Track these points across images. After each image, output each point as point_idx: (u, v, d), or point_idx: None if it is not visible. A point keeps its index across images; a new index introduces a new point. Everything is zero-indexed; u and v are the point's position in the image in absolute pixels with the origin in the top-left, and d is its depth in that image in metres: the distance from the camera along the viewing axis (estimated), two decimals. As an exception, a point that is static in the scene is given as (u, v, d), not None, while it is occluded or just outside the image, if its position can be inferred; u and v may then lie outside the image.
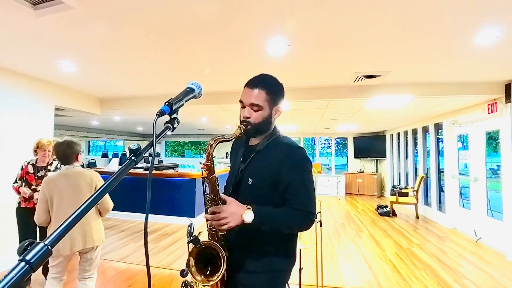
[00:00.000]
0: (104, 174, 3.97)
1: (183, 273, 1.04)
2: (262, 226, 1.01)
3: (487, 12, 1.90)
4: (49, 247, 0.47)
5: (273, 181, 1.07)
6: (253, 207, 1.00)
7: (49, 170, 2.88)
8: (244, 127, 1.08)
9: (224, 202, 1.04)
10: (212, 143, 1.05)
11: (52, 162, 2.93)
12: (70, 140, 2.09)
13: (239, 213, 0.99)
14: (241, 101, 1.10)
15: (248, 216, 0.99)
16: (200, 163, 1.10)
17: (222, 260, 1.01)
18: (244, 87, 1.11)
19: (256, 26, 2.18)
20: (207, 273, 1.06)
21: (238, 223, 0.99)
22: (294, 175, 1.06)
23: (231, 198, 1.05)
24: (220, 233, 1.08)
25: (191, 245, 1.06)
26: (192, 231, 1.08)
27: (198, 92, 0.87)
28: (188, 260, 1.05)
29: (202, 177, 1.07)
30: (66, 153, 2.04)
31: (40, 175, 2.82)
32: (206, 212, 1.07)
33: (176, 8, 1.90)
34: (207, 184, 1.06)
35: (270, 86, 1.09)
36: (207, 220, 1.05)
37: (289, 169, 1.06)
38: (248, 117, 1.08)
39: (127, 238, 4.36)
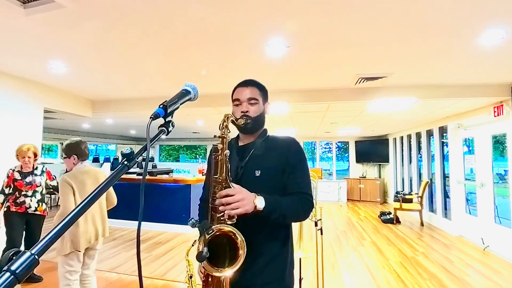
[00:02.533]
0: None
1: (201, 256, 0.90)
2: (272, 214, 1.01)
3: (491, 12, 1.93)
4: (36, 256, 0.46)
5: (281, 169, 1.12)
6: (264, 196, 1.01)
7: (36, 175, 2.96)
8: (245, 121, 1.13)
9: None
10: (229, 115, 1.08)
11: (37, 167, 3.01)
12: (80, 139, 2.25)
13: (251, 198, 0.98)
14: (236, 100, 1.18)
15: (260, 201, 0.99)
16: (215, 136, 1.07)
17: (241, 244, 0.93)
18: (236, 88, 1.22)
19: (254, 27, 2.19)
20: (222, 263, 0.96)
21: (251, 208, 0.97)
22: (297, 161, 1.14)
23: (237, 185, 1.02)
24: (229, 222, 0.99)
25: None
26: (195, 221, 0.97)
27: (194, 94, 0.87)
28: (201, 252, 0.91)
29: (213, 154, 1.03)
30: (86, 150, 2.17)
31: (28, 181, 2.90)
32: (213, 200, 1.00)
33: (172, 7, 1.91)
34: (217, 163, 1.01)
35: (259, 84, 1.23)
36: (216, 206, 0.98)
37: (294, 155, 1.14)
38: (247, 111, 1.15)
39: (119, 247, 4.31)
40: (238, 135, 1.28)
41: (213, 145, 1.05)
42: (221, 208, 0.97)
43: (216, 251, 0.95)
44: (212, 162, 1.04)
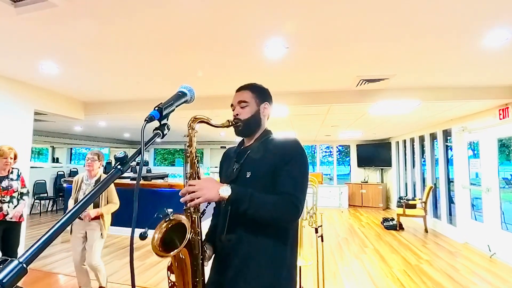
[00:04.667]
0: (87, 185, 3.92)
1: (143, 235, 1.07)
2: (240, 205, 1.03)
3: (496, 12, 1.95)
4: (24, 265, 0.46)
5: (272, 170, 1.13)
6: (232, 186, 1.05)
7: (12, 179, 2.90)
8: (235, 123, 1.21)
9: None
10: (196, 116, 1.15)
11: (12, 171, 2.94)
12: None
13: (215, 188, 1.03)
14: (231, 105, 1.28)
15: (225, 190, 1.02)
16: (184, 135, 1.18)
17: (188, 229, 1.03)
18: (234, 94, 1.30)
19: (253, 27, 2.21)
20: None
21: (213, 196, 1.02)
22: (288, 161, 1.13)
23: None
24: (194, 215, 1.09)
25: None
26: (160, 212, 1.11)
27: (191, 96, 0.87)
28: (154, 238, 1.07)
29: (184, 150, 1.15)
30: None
31: (5, 186, 2.83)
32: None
33: (168, 6, 1.92)
34: (188, 160, 1.14)
35: (253, 86, 1.29)
36: (182, 195, 1.06)
37: (286, 155, 1.14)
38: (237, 114, 1.23)
39: (111, 255, 4.28)
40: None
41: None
42: (181, 199, 1.05)
43: (173, 240, 1.07)
44: (187, 162, 1.15)
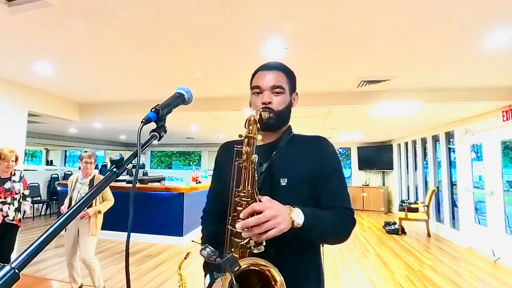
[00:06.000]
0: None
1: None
2: (313, 231, 0.82)
3: (498, 12, 1.96)
4: (17, 270, 0.45)
5: (314, 176, 0.94)
6: (302, 208, 0.83)
7: (14, 181, 2.96)
8: (268, 115, 0.95)
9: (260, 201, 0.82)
10: (260, 107, 0.94)
11: (15, 172, 3.00)
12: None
13: (286, 212, 0.79)
14: (257, 87, 1.00)
15: (298, 216, 0.80)
16: (240, 136, 0.89)
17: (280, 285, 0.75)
18: (258, 72, 1.05)
19: (251, 28, 2.21)
20: None
21: (287, 227, 0.77)
22: (335, 167, 0.98)
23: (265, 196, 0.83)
24: (256, 250, 0.79)
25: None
26: (211, 252, 0.75)
27: (188, 97, 0.87)
28: None
29: (236, 160, 0.86)
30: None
31: (7, 187, 2.88)
32: (234, 220, 0.81)
33: (165, 7, 1.93)
34: (241, 171, 0.83)
35: (287, 69, 1.06)
36: (239, 231, 0.78)
37: (330, 159, 0.98)
38: (269, 102, 0.97)
39: (106, 260, 4.26)
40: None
41: (235, 146, 0.88)
42: (244, 234, 0.77)
43: None
44: (234, 170, 0.86)
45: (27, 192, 3.09)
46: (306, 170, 0.95)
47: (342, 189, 0.96)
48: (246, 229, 0.76)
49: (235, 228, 0.79)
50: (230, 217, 0.84)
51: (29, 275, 3.52)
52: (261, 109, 0.94)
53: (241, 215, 0.78)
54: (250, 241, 0.79)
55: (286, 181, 0.92)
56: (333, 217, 0.89)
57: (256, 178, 0.83)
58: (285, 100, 1.01)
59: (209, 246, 0.76)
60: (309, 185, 0.94)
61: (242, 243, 0.80)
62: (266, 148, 0.99)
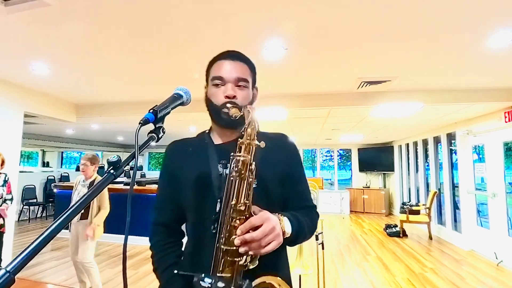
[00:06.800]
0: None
1: None
2: (298, 238, 0.85)
3: (500, 13, 1.96)
4: (12, 274, 0.45)
5: (283, 178, 0.92)
6: (287, 216, 0.83)
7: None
8: (238, 111, 0.84)
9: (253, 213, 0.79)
10: (249, 107, 0.82)
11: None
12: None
13: (278, 222, 0.77)
14: (218, 78, 0.90)
15: (287, 225, 0.80)
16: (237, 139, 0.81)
17: None
18: (218, 60, 0.93)
19: (250, 28, 2.22)
20: None
21: (282, 237, 0.77)
22: (301, 169, 1.00)
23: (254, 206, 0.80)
24: (251, 266, 0.76)
25: None
26: (213, 281, 0.73)
27: (187, 98, 0.87)
28: None
29: (232, 170, 0.78)
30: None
31: None
32: (228, 239, 0.75)
33: (163, 7, 1.93)
34: (239, 182, 0.76)
35: (250, 61, 0.96)
36: (234, 248, 0.74)
37: (296, 161, 0.99)
38: (234, 96, 0.88)
39: (103, 264, 4.25)
40: (210, 129, 1.03)
41: (231, 154, 0.79)
42: (242, 250, 0.72)
43: None
44: (230, 181, 0.78)
45: (9, 196, 2.97)
46: (274, 171, 0.91)
47: (307, 189, 1.00)
48: (243, 245, 0.72)
49: (230, 246, 0.74)
50: (223, 234, 0.76)
51: (25, 279, 3.51)
52: (229, 104, 0.86)
53: (239, 231, 0.73)
54: (247, 257, 0.75)
55: (257, 183, 0.84)
56: (308, 221, 0.90)
57: (252, 190, 0.78)
58: (248, 95, 0.93)
59: (207, 275, 0.74)
60: (278, 186, 0.91)
61: (240, 262, 0.74)
62: (227, 148, 0.87)
